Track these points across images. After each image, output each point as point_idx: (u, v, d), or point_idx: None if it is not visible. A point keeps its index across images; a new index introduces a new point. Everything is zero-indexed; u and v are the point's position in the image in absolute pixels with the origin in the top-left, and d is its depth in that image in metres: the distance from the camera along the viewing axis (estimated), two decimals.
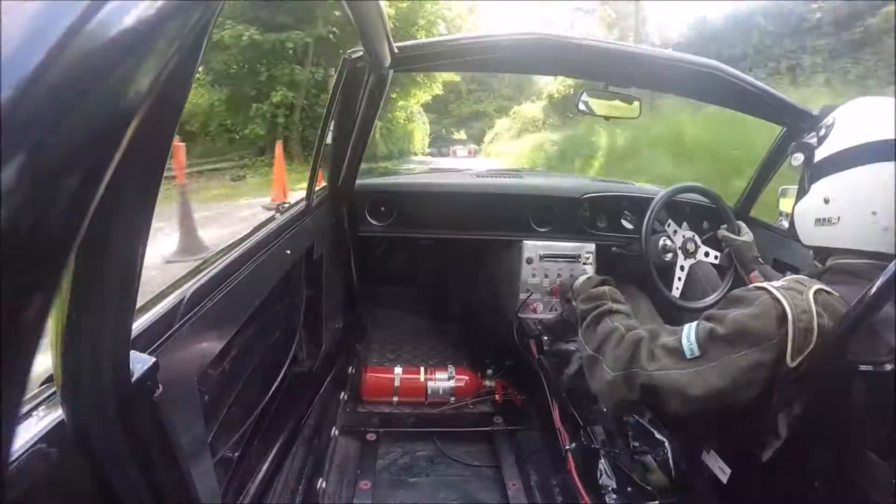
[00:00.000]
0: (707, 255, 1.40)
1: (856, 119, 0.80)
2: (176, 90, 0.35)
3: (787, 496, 0.76)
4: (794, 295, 0.70)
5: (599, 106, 1.38)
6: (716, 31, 10.74)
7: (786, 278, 0.76)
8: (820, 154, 0.82)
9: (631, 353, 0.78)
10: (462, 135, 29.59)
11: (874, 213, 0.74)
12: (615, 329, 0.84)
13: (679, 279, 1.37)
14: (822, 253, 0.84)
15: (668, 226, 1.42)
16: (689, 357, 0.73)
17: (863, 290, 0.64)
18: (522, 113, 20.49)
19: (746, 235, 1.31)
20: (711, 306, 1.32)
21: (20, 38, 0.17)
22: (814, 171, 0.83)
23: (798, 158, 0.87)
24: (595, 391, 0.85)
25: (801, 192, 0.87)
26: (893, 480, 0.62)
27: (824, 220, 0.80)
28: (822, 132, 0.83)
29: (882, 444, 0.64)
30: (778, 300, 0.69)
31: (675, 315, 1.33)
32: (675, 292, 1.34)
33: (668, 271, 1.38)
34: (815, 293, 0.70)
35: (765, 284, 0.73)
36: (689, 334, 0.74)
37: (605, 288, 0.97)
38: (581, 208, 1.66)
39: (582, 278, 1.07)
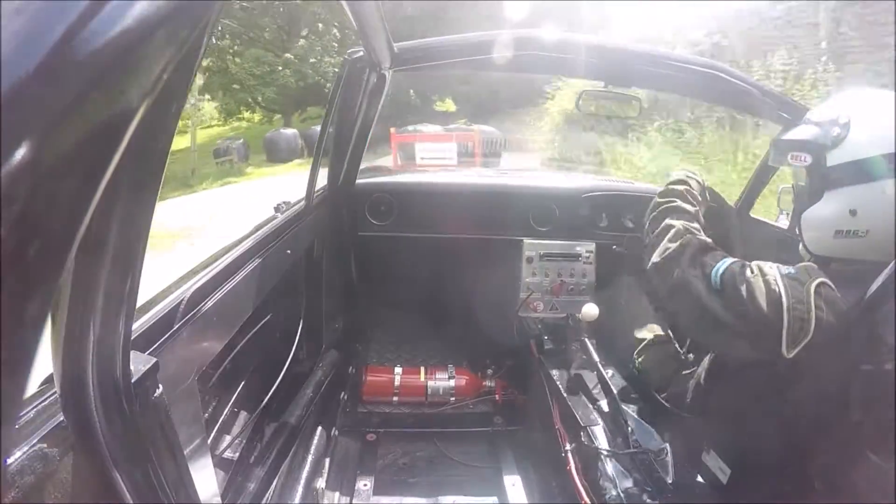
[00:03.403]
0: None
1: (878, 120, 0.73)
2: (176, 90, 0.35)
3: (786, 496, 0.76)
4: (794, 285, 0.70)
5: (599, 106, 1.38)
6: None
7: (796, 266, 0.74)
8: (836, 158, 0.74)
9: (678, 250, 0.85)
10: (449, 104, 13.21)
11: None
12: (672, 226, 0.90)
13: None
14: (825, 259, 0.79)
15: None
16: (713, 288, 0.78)
17: (859, 291, 0.63)
18: None
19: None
20: None
21: (21, 38, 0.17)
22: (828, 177, 0.76)
23: (804, 160, 0.78)
24: (644, 273, 0.92)
25: (810, 198, 0.79)
26: (893, 480, 0.62)
27: (849, 232, 0.74)
28: (836, 132, 0.75)
29: (882, 444, 0.64)
30: (773, 289, 0.70)
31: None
32: None
33: None
34: (818, 286, 0.70)
35: (773, 266, 0.74)
36: (718, 268, 0.78)
37: (681, 187, 1.02)
38: (581, 207, 1.66)
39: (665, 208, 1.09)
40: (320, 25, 14.59)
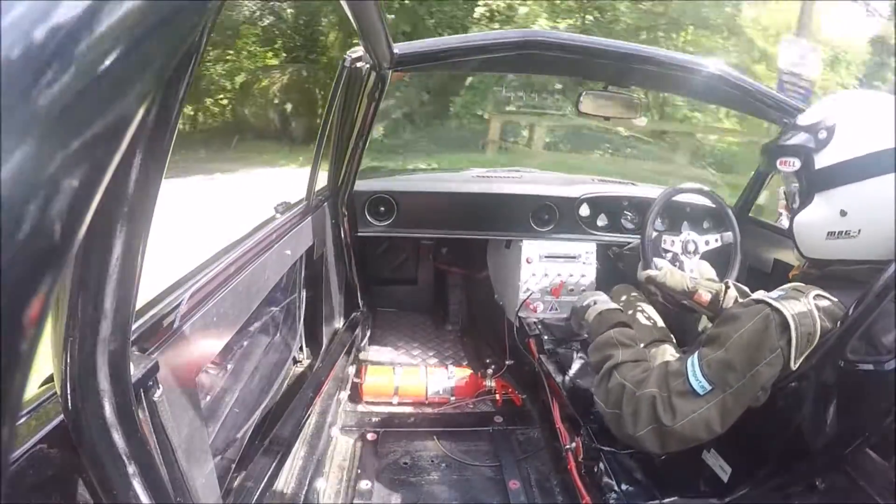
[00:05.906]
0: (691, 269, 1.35)
1: (862, 121, 0.74)
2: (176, 90, 0.35)
3: (787, 495, 0.76)
4: (793, 303, 0.70)
5: (599, 106, 1.38)
6: None
7: (782, 287, 0.75)
8: (823, 160, 0.75)
9: (649, 412, 0.77)
10: None
11: None
12: (624, 387, 0.82)
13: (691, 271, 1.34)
14: (822, 262, 0.80)
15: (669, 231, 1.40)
16: (702, 394, 0.73)
17: (858, 293, 0.64)
18: None
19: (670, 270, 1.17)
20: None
21: (20, 38, 0.17)
22: (817, 179, 0.76)
23: (793, 164, 0.78)
24: (627, 443, 0.85)
25: (801, 202, 0.80)
26: (893, 480, 0.62)
27: (841, 233, 0.74)
28: (822, 135, 0.76)
29: (882, 444, 0.64)
30: (777, 310, 0.70)
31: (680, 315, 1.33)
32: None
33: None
34: (816, 297, 0.71)
35: (762, 297, 0.73)
36: (694, 372, 0.74)
37: (612, 333, 0.93)
38: (581, 208, 1.67)
39: (591, 310, 1.05)
40: None
